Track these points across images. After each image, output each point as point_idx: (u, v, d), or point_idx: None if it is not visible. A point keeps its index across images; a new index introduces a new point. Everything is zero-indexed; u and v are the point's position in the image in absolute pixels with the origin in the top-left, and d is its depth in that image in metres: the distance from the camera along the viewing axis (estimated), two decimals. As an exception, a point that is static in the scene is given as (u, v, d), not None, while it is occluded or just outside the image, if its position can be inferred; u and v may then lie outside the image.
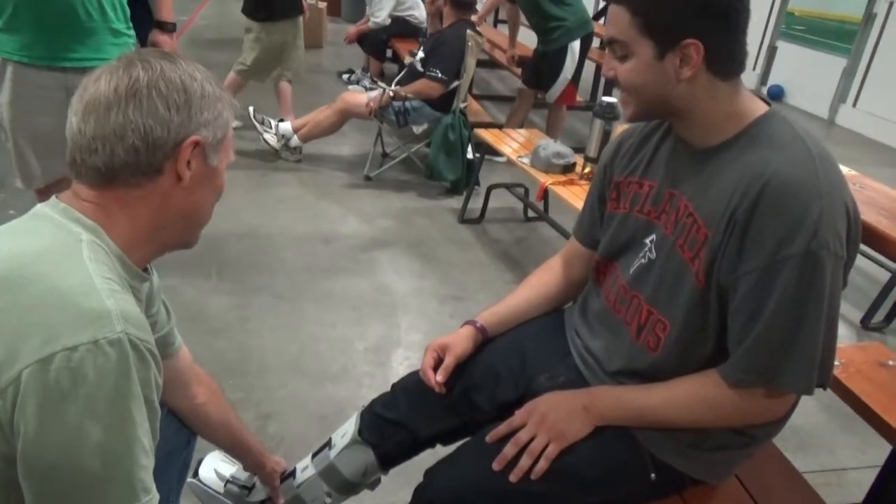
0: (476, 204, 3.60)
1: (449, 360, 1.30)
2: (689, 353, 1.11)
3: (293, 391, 2.18)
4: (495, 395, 1.30)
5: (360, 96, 3.88)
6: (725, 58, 1.02)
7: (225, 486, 1.52)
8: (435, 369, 1.30)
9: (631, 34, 1.01)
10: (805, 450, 2.17)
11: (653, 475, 1.13)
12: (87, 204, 0.85)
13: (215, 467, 1.56)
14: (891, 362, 1.63)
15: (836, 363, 1.56)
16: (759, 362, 1.02)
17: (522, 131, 3.57)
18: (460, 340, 1.33)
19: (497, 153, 3.42)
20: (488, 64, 6.16)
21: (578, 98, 4.39)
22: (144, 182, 0.86)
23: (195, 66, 0.91)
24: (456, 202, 3.68)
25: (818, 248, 0.94)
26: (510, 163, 3.24)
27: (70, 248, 0.80)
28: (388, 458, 1.38)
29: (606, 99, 2.79)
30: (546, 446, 1.09)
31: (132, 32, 2.20)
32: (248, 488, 1.53)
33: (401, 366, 2.34)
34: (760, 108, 1.06)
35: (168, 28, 2.39)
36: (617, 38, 1.03)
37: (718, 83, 1.03)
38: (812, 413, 2.30)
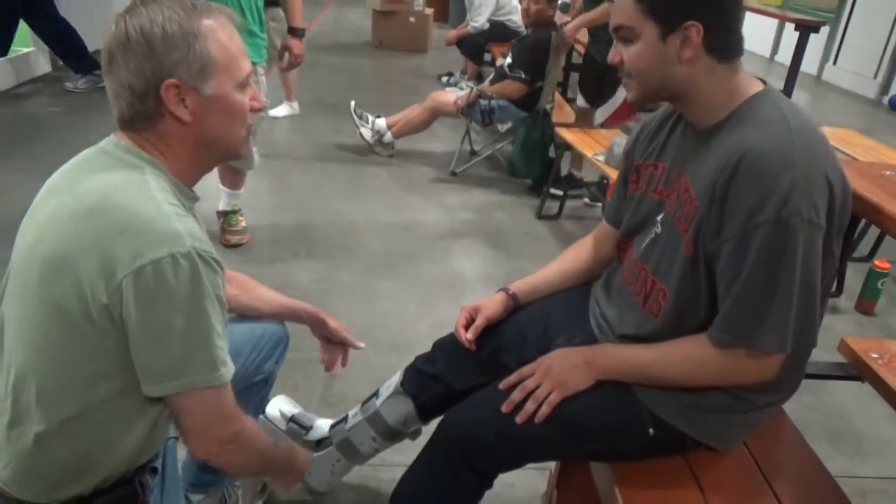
0: (554, 202, 3.69)
1: (479, 321, 1.45)
2: (685, 320, 1.19)
3: (360, 357, 2.36)
4: (521, 356, 1.42)
5: (449, 95, 4.08)
6: (723, 41, 1.10)
7: (287, 424, 1.74)
8: (467, 329, 1.45)
9: (636, 18, 1.10)
10: (864, 455, 2.12)
11: (651, 430, 1.21)
12: (140, 141, 1.01)
13: (280, 407, 1.79)
14: (936, 358, 1.60)
15: (874, 356, 1.57)
16: (737, 324, 1.10)
17: (603, 131, 3.63)
18: (492, 304, 1.47)
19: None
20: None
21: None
22: (156, 125, 0.99)
23: (165, 5, 0.96)
24: (536, 199, 3.79)
25: (789, 216, 1.01)
26: (587, 160, 3.32)
27: (139, 182, 0.97)
28: (426, 410, 1.54)
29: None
30: (550, 394, 1.21)
31: (265, 35, 2.50)
32: (307, 428, 1.74)
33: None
34: (755, 88, 1.14)
35: (298, 34, 2.71)
36: (623, 23, 1.13)
37: (717, 65, 1.11)
38: (877, 420, 2.24)
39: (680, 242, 1.16)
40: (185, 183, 1.06)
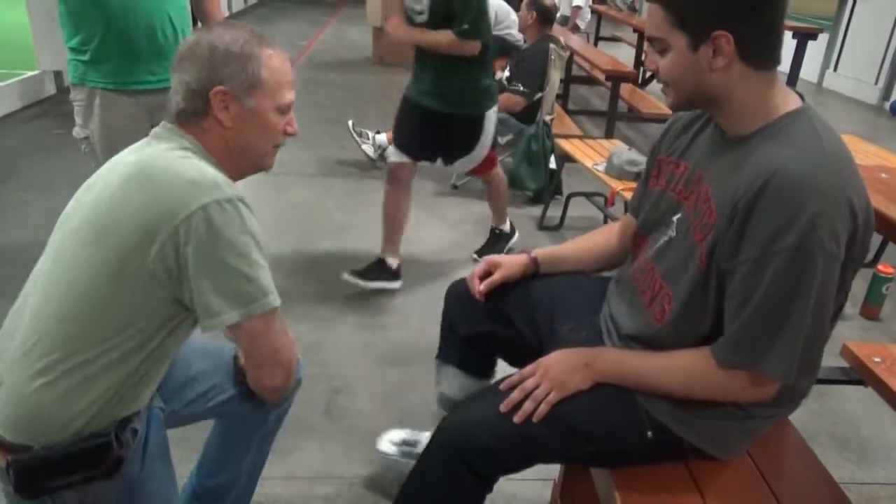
0: (556, 212, 3.70)
1: (496, 276, 1.48)
2: (688, 330, 1.19)
3: (363, 370, 2.38)
4: (531, 318, 1.47)
5: (450, 109, 4.09)
6: (758, 49, 1.08)
7: (399, 449, 1.84)
8: (482, 280, 1.48)
9: (665, 28, 1.10)
10: (871, 462, 2.10)
11: (649, 433, 1.21)
12: (186, 129, 1.17)
13: (389, 438, 1.88)
14: (939, 362, 1.59)
15: (877, 360, 1.57)
16: (744, 346, 1.09)
17: (604, 142, 3.64)
18: (512, 264, 1.50)
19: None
20: (587, 80, 6.24)
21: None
22: (201, 122, 1.17)
23: (237, 31, 1.18)
24: (537, 210, 3.80)
25: (811, 245, 1.00)
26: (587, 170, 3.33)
27: (185, 154, 1.14)
28: (469, 366, 1.58)
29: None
30: (548, 394, 1.21)
31: None
32: (416, 443, 1.82)
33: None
34: (793, 103, 1.12)
35: None
36: (654, 34, 1.12)
37: (752, 74, 1.09)
38: (884, 426, 2.22)
39: (694, 253, 1.15)
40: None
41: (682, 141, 1.29)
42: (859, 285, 2.99)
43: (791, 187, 1.01)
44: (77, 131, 2.32)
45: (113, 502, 1.15)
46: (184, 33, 2.26)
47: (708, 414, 1.21)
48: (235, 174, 1.21)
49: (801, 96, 1.15)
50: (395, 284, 2.91)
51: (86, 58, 2.16)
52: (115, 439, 1.10)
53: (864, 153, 3.52)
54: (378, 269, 2.90)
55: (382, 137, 4.24)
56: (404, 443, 1.86)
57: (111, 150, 2.28)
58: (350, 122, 4.33)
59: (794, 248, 1.01)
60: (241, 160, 1.22)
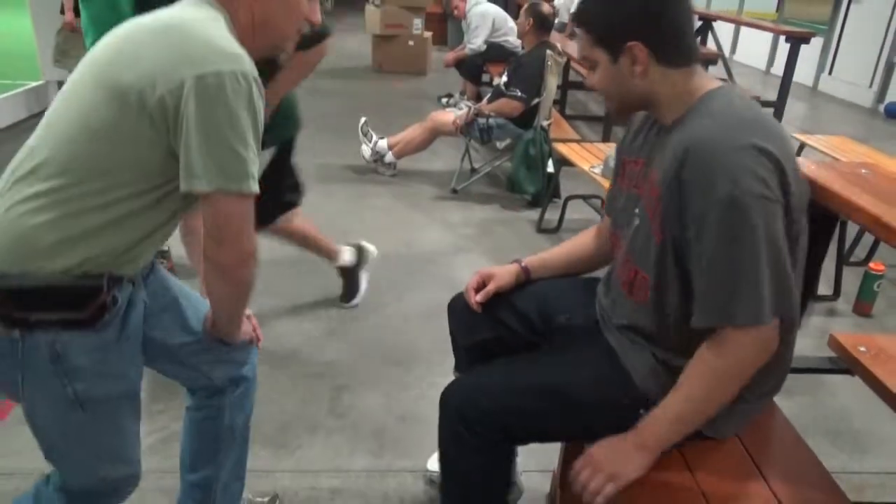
0: (554, 215, 3.76)
1: (490, 287, 1.56)
2: (666, 303, 1.26)
3: (365, 368, 2.44)
4: (524, 316, 1.54)
5: (448, 115, 4.17)
6: (670, 50, 1.22)
7: None
8: (477, 291, 1.56)
9: (589, 48, 1.26)
10: (863, 452, 2.16)
11: (641, 410, 1.27)
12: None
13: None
14: (923, 351, 1.65)
15: (862, 349, 1.62)
16: (710, 304, 1.16)
17: (601, 145, 3.70)
18: (505, 273, 1.58)
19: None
20: (584, 86, 6.31)
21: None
22: None
23: None
24: (536, 214, 3.86)
25: (741, 195, 1.08)
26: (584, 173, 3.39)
27: (214, 18, 1.14)
28: None
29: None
30: (604, 486, 1.19)
31: None
32: None
33: (465, 354, 2.54)
34: (711, 85, 1.24)
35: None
36: (583, 53, 1.28)
37: (671, 72, 1.22)
38: (877, 418, 2.27)
39: (651, 231, 1.25)
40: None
41: (638, 140, 1.40)
42: (853, 284, 3.05)
43: (708, 149, 1.12)
44: None
45: (81, 362, 1.13)
46: None
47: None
48: (254, 53, 1.17)
49: (723, 79, 1.28)
50: (365, 278, 2.91)
51: None
52: (106, 282, 1.11)
53: (853, 153, 3.59)
54: (348, 282, 2.88)
55: (384, 143, 4.31)
56: None
57: None
58: (362, 119, 4.40)
59: (725, 202, 1.09)
60: (262, 38, 1.22)
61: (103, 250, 1.10)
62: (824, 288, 3.11)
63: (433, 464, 1.90)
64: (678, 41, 1.22)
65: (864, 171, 1.46)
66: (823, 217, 1.39)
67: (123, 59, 1.09)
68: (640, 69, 1.21)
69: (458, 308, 1.64)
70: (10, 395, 1.16)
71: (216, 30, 1.11)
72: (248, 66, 1.09)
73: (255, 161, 1.12)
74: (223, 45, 1.09)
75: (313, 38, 2.23)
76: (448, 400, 1.36)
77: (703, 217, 1.12)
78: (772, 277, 1.12)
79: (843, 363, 1.62)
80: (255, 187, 1.13)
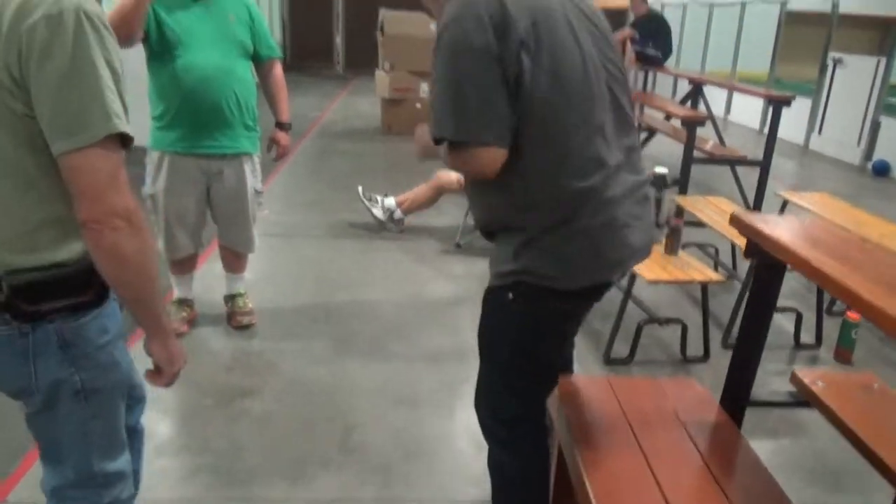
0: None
1: None
2: None
3: (374, 410, 2.63)
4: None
5: (452, 174, 4.45)
6: None
7: None
8: None
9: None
10: (837, 490, 2.31)
11: (509, 294, 1.52)
12: None
13: None
14: (875, 386, 1.84)
15: (819, 385, 1.82)
16: (434, 125, 1.43)
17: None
18: None
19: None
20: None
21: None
22: None
23: None
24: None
25: (450, 41, 1.37)
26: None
27: None
28: None
29: (658, 170, 3.16)
30: None
31: (258, 129, 2.87)
32: None
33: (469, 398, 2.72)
34: None
35: (285, 127, 3.04)
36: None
37: None
38: (849, 457, 2.42)
39: None
40: None
41: None
42: (834, 329, 3.24)
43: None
44: (145, 190, 2.75)
45: (87, 349, 1.21)
46: (248, 106, 2.76)
47: (503, 242, 1.54)
48: None
49: None
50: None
51: (162, 125, 2.66)
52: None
53: (834, 209, 3.81)
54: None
55: (391, 201, 4.58)
56: None
57: (170, 206, 2.73)
58: (360, 188, 4.68)
59: (440, 45, 1.39)
60: None
61: (55, 211, 1.14)
62: (807, 336, 3.30)
63: None
64: None
65: (808, 222, 1.68)
66: (771, 266, 1.61)
67: None
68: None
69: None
70: (21, 394, 1.25)
71: None
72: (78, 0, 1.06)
73: (116, 98, 1.10)
74: None
75: None
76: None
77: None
78: (475, 102, 1.36)
79: (803, 397, 1.81)
80: (122, 125, 1.10)
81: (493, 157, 1.39)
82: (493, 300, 1.60)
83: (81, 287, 1.19)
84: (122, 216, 1.10)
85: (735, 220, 1.67)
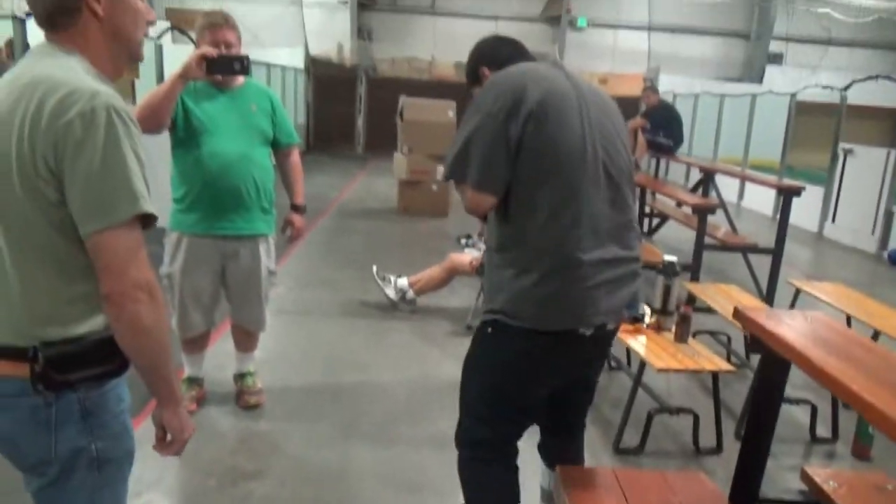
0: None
1: None
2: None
3: (379, 495, 2.58)
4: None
5: (466, 256, 4.52)
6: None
7: None
8: None
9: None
10: None
11: (489, 329, 1.78)
12: (64, 40, 1.26)
13: None
14: (889, 487, 1.79)
15: (831, 485, 1.78)
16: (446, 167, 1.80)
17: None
18: None
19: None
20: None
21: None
22: (76, 20, 1.24)
23: None
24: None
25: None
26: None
27: (66, 63, 1.23)
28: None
29: (667, 258, 3.19)
30: None
31: (274, 212, 2.97)
32: None
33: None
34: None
35: (300, 210, 3.14)
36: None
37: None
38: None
39: None
40: (105, 74, 1.29)
41: None
42: (851, 421, 3.16)
43: None
44: (162, 269, 2.83)
45: (104, 418, 1.29)
46: (265, 189, 2.90)
47: (492, 283, 1.79)
48: (114, 71, 1.29)
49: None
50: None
51: (183, 207, 2.75)
52: None
53: (847, 299, 3.79)
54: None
55: (404, 281, 4.64)
56: None
57: (186, 285, 2.80)
58: (374, 268, 4.75)
59: (472, 103, 1.76)
60: (120, 51, 1.30)
61: (84, 293, 1.24)
62: (822, 430, 3.22)
63: None
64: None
65: (812, 319, 1.69)
66: (776, 360, 1.61)
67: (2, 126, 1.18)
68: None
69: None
70: (38, 466, 1.29)
71: (68, 71, 1.20)
72: (105, 97, 1.18)
73: (141, 183, 1.21)
74: (79, 84, 1.17)
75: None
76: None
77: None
78: (466, 151, 1.70)
79: (813, 496, 1.76)
80: (147, 205, 1.21)
81: (482, 201, 1.70)
82: (476, 334, 1.88)
83: (107, 356, 1.27)
84: (143, 289, 1.21)
85: (738, 315, 1.69)
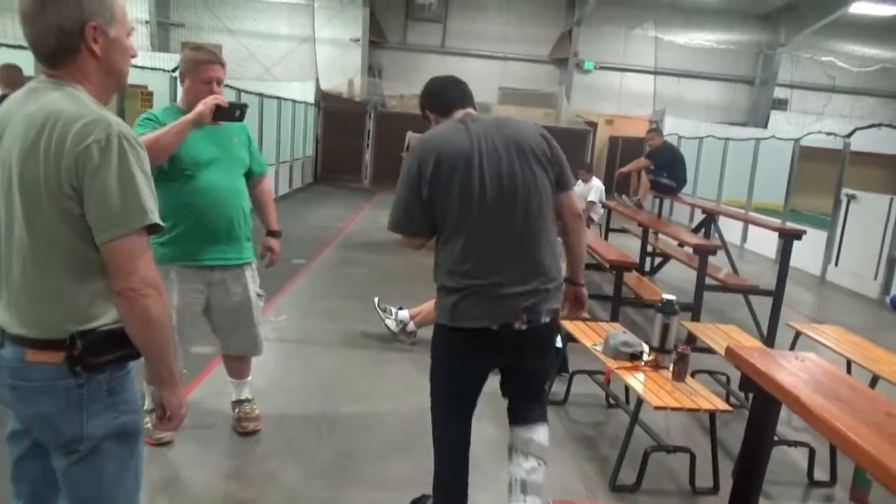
0: (561, 388, 3.96)
1: None
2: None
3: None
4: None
5: (466, 290, 4.54)
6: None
7: None
8: None
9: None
10: None
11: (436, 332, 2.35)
12: (63, 77, 1.43)
13: None
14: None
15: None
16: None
17: (604, 324, 3.99)
18: None
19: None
20: (597, 267, 6.73)
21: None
22: (76, 59, 1.42)
23: None
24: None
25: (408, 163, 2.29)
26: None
27: (79, 97, 1.41)
28: None
29: (666, 296, 3.21)
30: None
31: (251, 237, 3.01)
32: None
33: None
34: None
35: (277, 235, 3.18)
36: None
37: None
38: None
39: None
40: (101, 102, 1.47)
41: None
42: (850, 465, 3.13)
43: None
44: None
45: (126, 395, 1.49)
46: (248, 218, 2.97)
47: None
48: (105, 100, 1.48)
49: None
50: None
51: (165, 240, 2.71)
52: None
53: (846, 343, 3.79)
54: None
55: (405, 314, 4.66)
56: None
57: (182, 312, 2.78)
58: (376, 299, 4.78)
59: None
60: (111, 85, 1.49)
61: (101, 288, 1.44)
62: (821, 473, 3.19)
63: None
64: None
65: (803, 359, 1.71)
66: (767, 399, 1.63)
67: (23, 164, 1.40)
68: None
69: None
70: (71, 443, 1.45)
71: (77, 103, 1.40)
72: (116, 125, 1.38)
73: (151, 198, 1.45)
74: (92, 115, 1.37)
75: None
76: None
77: None
78: (400, 207, 2.28)
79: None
80: (156, 218, 1.42)
81: (411, 240, 2.36)
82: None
83: (128, 341, 1.46)
84: (151, 285, 1.41)
85: (730, 353, 1.71)
